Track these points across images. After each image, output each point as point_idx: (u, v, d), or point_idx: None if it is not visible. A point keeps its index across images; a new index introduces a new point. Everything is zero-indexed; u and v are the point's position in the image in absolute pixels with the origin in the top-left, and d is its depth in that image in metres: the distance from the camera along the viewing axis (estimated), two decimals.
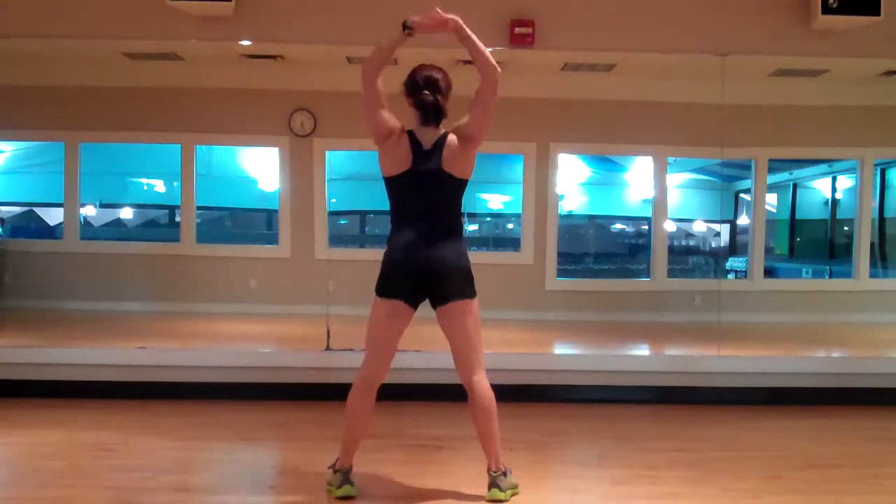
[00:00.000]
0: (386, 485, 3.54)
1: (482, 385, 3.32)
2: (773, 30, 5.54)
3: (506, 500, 3.26)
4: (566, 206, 11.33)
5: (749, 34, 5.56)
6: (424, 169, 3.33)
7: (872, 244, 9.17)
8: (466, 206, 11.82)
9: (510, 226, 12.43)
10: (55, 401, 4.91)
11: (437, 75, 3.39)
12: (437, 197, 3.35)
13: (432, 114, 3.34)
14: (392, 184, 3.42)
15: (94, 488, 3.39)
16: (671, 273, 9.73)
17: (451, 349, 3.36)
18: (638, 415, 5.01)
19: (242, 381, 5.20)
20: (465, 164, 3.38)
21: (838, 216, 10.94)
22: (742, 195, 11.75)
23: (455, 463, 3.84)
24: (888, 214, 9.59)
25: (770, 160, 9.02)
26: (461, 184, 3.41)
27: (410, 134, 3.36)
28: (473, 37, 3.30)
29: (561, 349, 7.28)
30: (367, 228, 12.15)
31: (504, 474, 3.31)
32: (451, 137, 3.37)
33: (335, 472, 3.33)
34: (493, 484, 3.27)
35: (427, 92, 3.33)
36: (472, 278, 3.35)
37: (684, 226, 13.10)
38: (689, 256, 13.00)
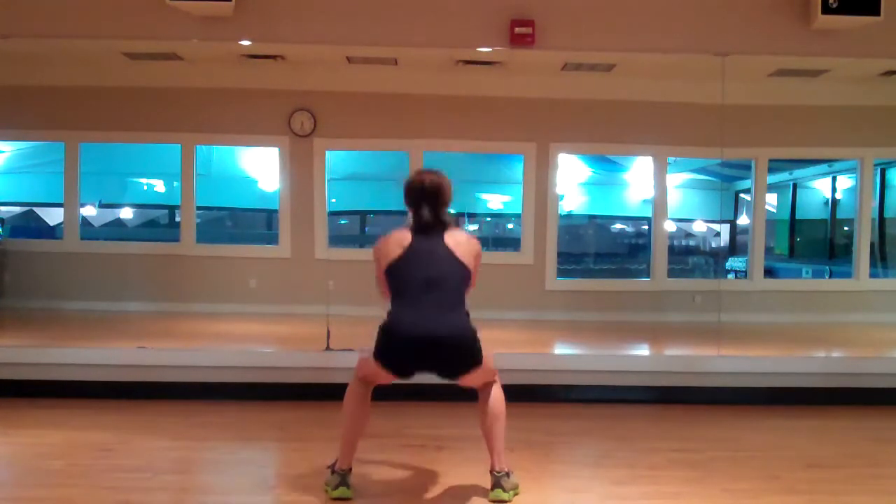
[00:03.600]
0: (386, 485, 3.54)
1: (495, 388, 3.36)
2: (773, 30, 5.54)
3: (509, 501, 3.27)
4: (566, 206, 11.33)
5: (749, 34, 5.57)
6: (425, 243, 3.26)
7: (872, 244, 9.17)
8: (466, 206, 11.92)
9: (510, 226, 12.43)
10: (55, 401, 4.92)
11: (437, 184, 3.32)
12: (440, 267, 3.24)
13: (431, 225, 3.28)
14: (391, 271, 3.27)
15: (94, 488, 3.39)
16: (671, 273, 9.73)
17: None
18: (638, 415, 5.01)
19: (242, 381, 5.20)
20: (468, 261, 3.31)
21: (838, 216, 10.94)
22: (742, 195, 11.75)
23: (455, 463, 3.84)
24: (888, 214, 9.59)
25: (770, 160, 9.02)
26: (463, 265, 3.27)
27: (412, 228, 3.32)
28: None
29: (561, 349, 7.28)
30: (367, 228, 12.15)
31: (507, 474, 3.31)
32: (460, 234, 3.33)
33: (333, 472, 3.33)
34: (496, 484, 3.27)
35: (426, 212, 3.27)
36: (478, 343, 3.26)
37: (684, 226, 13.11)
38: (689, 256, 13.00)
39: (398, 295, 3.25)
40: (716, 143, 7.42)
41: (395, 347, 3.21)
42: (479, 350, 3.26)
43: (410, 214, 3.33)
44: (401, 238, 3.28)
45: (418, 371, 3.30)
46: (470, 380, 3.31)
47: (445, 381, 3.35)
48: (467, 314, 3.29)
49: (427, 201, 3.28)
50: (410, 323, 3.17)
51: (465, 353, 3.23)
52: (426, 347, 3.17)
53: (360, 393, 3.35)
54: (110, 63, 7.89)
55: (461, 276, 3.27)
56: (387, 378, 3.30)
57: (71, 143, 8.59)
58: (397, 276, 3.25)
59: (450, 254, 3.25)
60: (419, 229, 3.28)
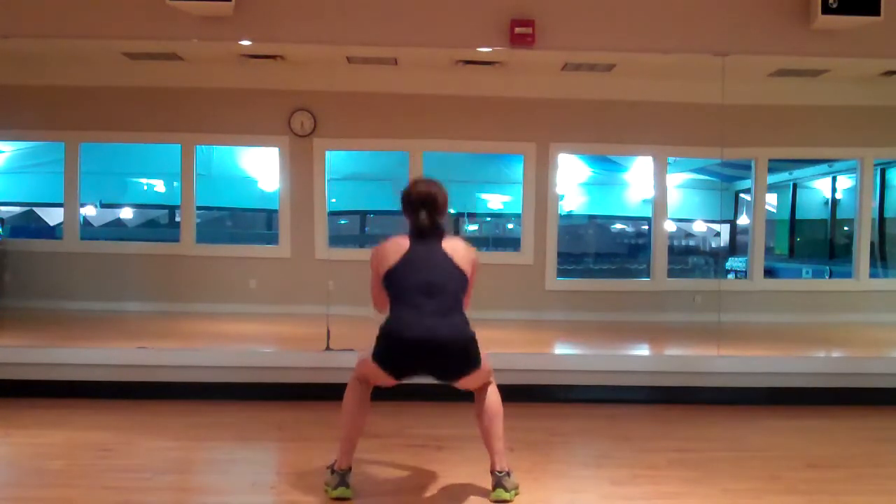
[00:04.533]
0: (386, 485, 3.54)
1: (491, 388, 3.37)
2: (773, 30, 5.54)
3: (510, 501, 3.27)
4: (566, 206, 11.32)
5: (749, 34, 5.57)
6: (422, 249, 3.27)
7: (872, 244, 9.17)
8: (466, 206, 11.91)
9: (510, 226, 12.42)
10: (55, 401, 4.92)
11: (434, 192, 3.34)
12: (438, 272, 3.25)
13: (429, 232, 3.30)
14: (389, 277, 3.28)
15: (94, 488, 3.39)
16: (671, 273, 9.72)
17: None
18: (638, 415, 5.01)
19: (242, 381, 5.20)
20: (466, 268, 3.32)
21: (838, 216, 10.93)
22: (742, 195, 11.75)
23: (455, 463, 3.84)
24: (888, 214, 9.58)
25: (770, 160, 9.02)
26: (460, 271, 3.28)
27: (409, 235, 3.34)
28: None
29: (561, 349, 7.28)
30: (367, 228, 12.14)
31: (508, 474, 3.31)
32: (458, 242, 3.35)
33: (333, 472, 3.33)
34: (497, 484, 3.27)
35: (423, 215, 3.29)
36: (477, 346, 3.27)
37: (684, 226, 13.10)
38: (689, 256, 12.99)
39: (397, 299, 3.25)
40: (716, 143, 7.43)
41: (394, 350, 3.22)
42: (478, 353, 3.27)
43: (408, 222, 3.34)
44: (398, 244, 3.30)
45: (417, 374, 3.31)
46: (467, 383, 3.32)
47: (443, 383, 3.36)
48: (466, 319, 3.30)
49: (424, 208, 3.30)
50: (410, 326, 3.17)
51: (465, 356, 3.24)
52: (426, 350, 3.18)
53: (360, 393, 3.35)
54: (110, 63, 7.89)
55: (459, 281, 3.28)
56: (385, 380, 3.31)
57: (71, 143, 8.59)
58: (396, 282, 3.26)
59: (448, 259, 3.26)
60: (417, 235, 3.30)
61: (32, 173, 10.61)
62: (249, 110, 8.34)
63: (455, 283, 3.27)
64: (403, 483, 3.57)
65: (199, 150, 8.87)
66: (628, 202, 12.00)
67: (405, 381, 3.36)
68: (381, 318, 3.32)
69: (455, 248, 3.32)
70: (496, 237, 12.85)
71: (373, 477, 3.61)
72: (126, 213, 12.42)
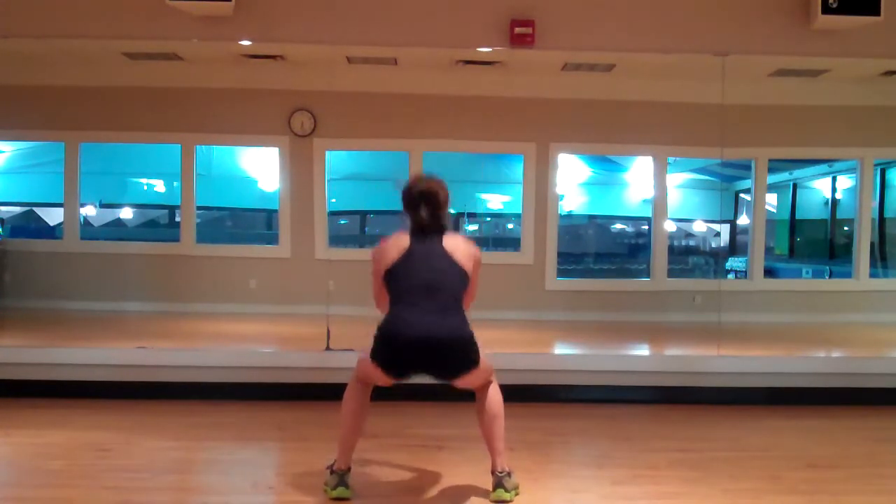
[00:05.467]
0: (386, 485, 3.54)
1: (492, 388, 3.36)
2: (773, 30, 5.54)
3: (510, 501, 3.27)
4: (566, 206, 11.33)
5: (749, 34, 5.57)
6: (422, 246, 3.26)
7: (872, 244, 9.17)
8: (467, 206, 11.91)
9: (510, 226, 12.43)
10: (55, 401, 4.92)
11: (436, 188, 3.34)
12: (438, 270, 3.24)
13: (430, 228, 3.29)
14: (390, 274, 3.26)
15: (94, 488, 3.39)
16: (671, 273, 9.73)
17: None
18: (638, 415, 5.01)
19: (242, 381, 5.20)
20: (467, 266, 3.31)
21: (838, 216, 10.94)
22: (742, 195, 11.75)
23: (455, 463, 3.84)
24: (888, 214, 9.58)
25: (770, 160, 9.02)
26: (461, 269, 3.27)
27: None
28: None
29: (561, 349, 7.28)
30: (367, 228, 12.15)
31: (509, 474, 3.31)
32: (458, 239, 3.34)
33: (332, 472, 3.33)
34: (498, 484, 3.27)
35: (424, 212, 3.28)
36: (476, 346, 3.26)
37: (684, 226, 13.11)
38: (689, 256, 13.00)
39: (396, 298, 3.25)
40: (716, 143, 7.43)
41: (392, 349, 3.22)
42: (477, 352, 3.26)
43: (409, 219, 3.33)
44: (399, 242, 3.29)
45: (415, 373, 3.30)
46: (466, 381, 3.31)
47: (443, 382, 3.35)
48: (466, 318, 3.29)
49: (426, 204, 3.29)
50: (408, 325, 3.17)
51: (462, 355, 3.23)
52: (424, 349, 3.17)
53: (360, 393, 3.35)
54: (110, 63, 7.89)
55: (459, 279, 3.28)
56: (383, 380, 3.30)
57: (71, 143, 8.59)
58: (396, 280, 3.25)
59: (448, 257, 3.26)
60: (418, 231, 3.29)
61: (32, 173, 10.62)
62: (249, 110, 8.34)
63: (455, 281, 3.26)
64: (403, 483, 3.57)
65: (198, 150, 8.88)
66: (628, 202, 12.01)
67: (404, 382, 3.36)
68: (381, 316, 3.31)
69: (456, 245, 3.31)
70: (496, 237, 12.86)
71: (372, 477, 3.61)
72: (126, 213, 12.43)
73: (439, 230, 3.30)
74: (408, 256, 3.24)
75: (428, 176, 3.45)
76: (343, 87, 8.16)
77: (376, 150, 9.48)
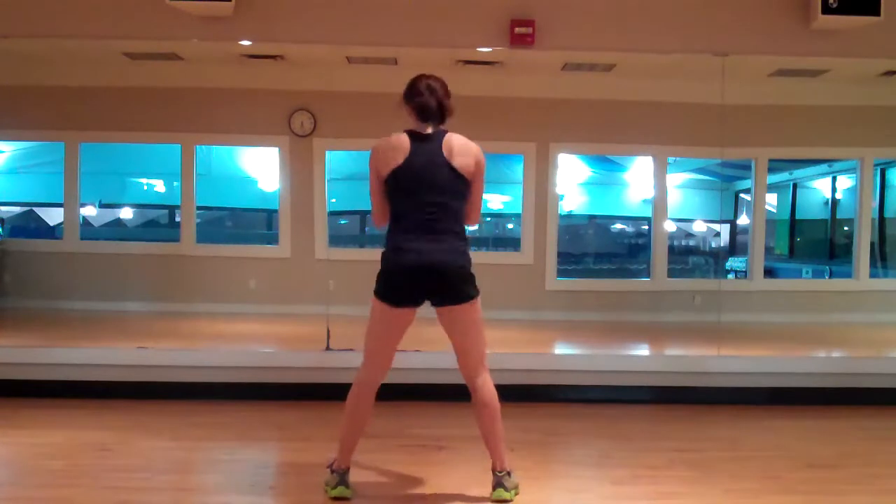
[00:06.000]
0: (386, 485, 3.54)
1: (487, 386, 3.32)
2: (773, 30, 5.54)
3: (510, 501, 3.27)
4: (566, 206, 11.33)
5: (749, 34, 5.56)
6: (422, 155, 3.23)
7: (872, 244, 9.17)
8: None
9: (510, 226, 12.43)
10: (55, 401, 4.91)
11: (436, 84, 3.36)
12: (438, 188, 3.23)
13: (434, 113, 3.29)
14: (389, 183, 3.26)
15: (94, 488, 3.39)
16: (671, 273, 9.73)
17: (453, 348, 3.36)
18: (638, 415, 5.01)
19: (242, 381, 5.20)
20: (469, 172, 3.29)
21: (838, 216, 10.94)
22: (742, 195, 11.75)
23: (455, 463, 3.84)
24: (888, 214, 9.58)
25: (770, 160, 9.02)
26: (462, 179, 3.26)
27: (409, 132, 3.31)
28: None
29: (561, 349, 7.28)
30: (367, 228, 12.15)
31: (508, 474, 3.31)
32: (459, 138, 3.30)
33: (332, 472, 3.33)
34: (498, 484, 3.27)
35: (428, 95, 3.30)
36: (472, 278, 3.30)
37: (684, 226, 13.11)
38: (689, 256, 13.00)
39: (396, 219, 3.27)
40: (716, 143, 7.43)
41: (393, 280, 3.23)
42: (474, 283, 3.28)
43: (411, 110, 3.32)
44: (399, 142, 3.25)
45: (416, 300, 3.27)
46: (463, 335, 3.28)
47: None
48: (466, 242, 3.31)
49: (431, 94, 3.28)
50: (409, 255, 3.19)
51: (460, 281, 3.24)
52: (422, 275, 3.19)
53: (364, 393, 3.34)
54: (110, 63, 7.88)
55: (461, 192, 3.27)
56: (388, 328, 3.28)
57: (71, 143, 8.59)
58: (395, 195, 3.24)
59: (449, 166, 3.22)
60: (420, 126, 3.27)
61: (32, 173, 10.62)
62: (249, 110, 8.33)
63: (455, 197, 3.26)
64: (403, 483, 3.57)
65: (198, 150, 8.87)
66: (628, 202, 12.01)
67: (416, 306, 3.30)
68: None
69: (458, 147, 3.25)
70: (496, 237, 12.85)
71: (372, 477, 3.61)
72: (126, 213, 12.44)
73: (443, 119, 3.30)
74: (408, 166, 3.21)
75: (429, 74, 3.43)
76: (343, 87, 8.15)
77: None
